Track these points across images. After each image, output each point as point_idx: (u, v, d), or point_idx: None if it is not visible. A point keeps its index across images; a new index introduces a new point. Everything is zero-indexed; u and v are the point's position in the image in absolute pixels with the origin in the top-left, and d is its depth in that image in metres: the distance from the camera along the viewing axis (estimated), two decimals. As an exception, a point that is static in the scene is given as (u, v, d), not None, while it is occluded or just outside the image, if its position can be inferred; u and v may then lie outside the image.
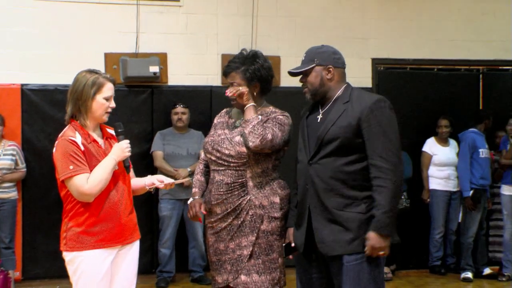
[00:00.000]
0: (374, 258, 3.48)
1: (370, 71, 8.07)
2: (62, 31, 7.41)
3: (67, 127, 3.59)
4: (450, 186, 7.75)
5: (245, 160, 3.91)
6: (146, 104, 7.59)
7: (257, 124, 3.87)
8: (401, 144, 3.61)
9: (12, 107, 7.18)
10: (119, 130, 3.67)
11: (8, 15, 7.31)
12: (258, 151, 3.89)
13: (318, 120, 3.66)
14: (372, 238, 3.43)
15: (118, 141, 3.65)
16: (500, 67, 8.66)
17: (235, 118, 4.11)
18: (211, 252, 4.09)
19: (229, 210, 3.95)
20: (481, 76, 8.49)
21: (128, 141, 3.63)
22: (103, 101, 3.56)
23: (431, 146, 7.84)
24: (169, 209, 7.12)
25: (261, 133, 3.85)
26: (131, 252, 3.70)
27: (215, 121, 4.22)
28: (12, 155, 6.84)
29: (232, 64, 4.02)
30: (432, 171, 7.79)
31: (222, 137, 4.02)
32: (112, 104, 3.61)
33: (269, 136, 3.86)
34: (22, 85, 7.29)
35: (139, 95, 7.51)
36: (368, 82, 7.99)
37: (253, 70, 3.97)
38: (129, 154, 3.62)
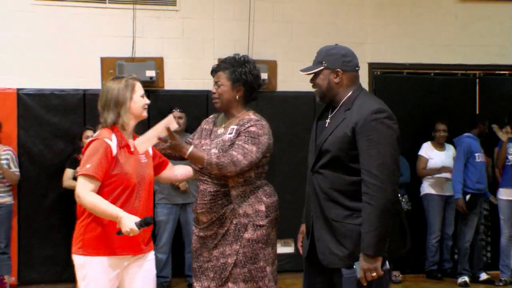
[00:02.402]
0: None
1: (366, 76, 8.05)
2: (59, 36, 7.40)
3: (102, 129, 3.60)
4: (446, 190, 7.75)
5: None
6: (143, 108, 7.57)
7: (221, 157, 3.78)
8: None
9: (8, 111, 7.17)
10: (142, 224, 3.42)
11: (3, 19, 7.30)
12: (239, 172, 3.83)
13: (326, 125, 3.54)
14: (361, 260, 3.29)
15: (136, 226, 3.41)
16: (496, 72, 8.68)
17: (218, 126, 4.08)
18: (193, 257, 4.07)
19: (213, 219, 3.93)
20: (477, 81, 8.50)
21: (138, 230, 3.41)
22: (140, 98, 3.66)
23: (427, 150, 7.83)
24: (166, 214, 7.11)
25: (227, 162, 3.76)
26: (146, 264, 3.66)
27: (202, 125, 4.18)
28: (6, 159, 6.83)
29: (222, 64, 4.03)
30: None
31: (204, 147, 3.99)
32: (147, 100, 3.70)
33: (234, 166, 3.77)
34: (18, 89, 7.28)
35: (136, 100, 7.48)
36: (364, 87, 7.90)
37: (240, 73, 3.96)
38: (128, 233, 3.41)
